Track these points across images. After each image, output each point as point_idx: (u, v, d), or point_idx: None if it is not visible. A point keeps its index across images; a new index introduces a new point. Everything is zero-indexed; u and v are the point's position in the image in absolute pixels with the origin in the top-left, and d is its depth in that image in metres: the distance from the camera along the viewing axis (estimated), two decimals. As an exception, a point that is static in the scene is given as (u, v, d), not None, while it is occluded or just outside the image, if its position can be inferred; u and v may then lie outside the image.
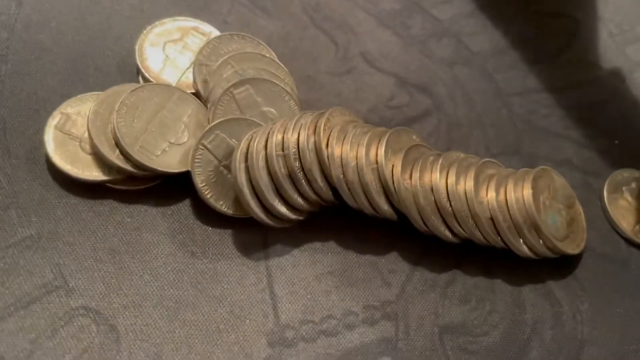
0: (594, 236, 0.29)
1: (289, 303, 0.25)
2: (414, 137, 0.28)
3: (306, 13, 0.33)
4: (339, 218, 0.27)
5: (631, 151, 0.32)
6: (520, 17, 0.36)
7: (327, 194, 0.26)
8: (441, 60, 0.33)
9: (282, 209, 0.25)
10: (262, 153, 0.25)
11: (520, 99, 0.33)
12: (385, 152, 0.26)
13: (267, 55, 0.29)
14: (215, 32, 0.30)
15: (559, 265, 0.28)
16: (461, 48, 0.34)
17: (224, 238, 0.26)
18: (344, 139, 0.26)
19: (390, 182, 0.26)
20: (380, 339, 0.25)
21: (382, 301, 0.26)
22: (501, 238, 0.27)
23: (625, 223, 0.30)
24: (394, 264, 0.27)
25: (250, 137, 0.25)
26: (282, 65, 0.29)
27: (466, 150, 0.31)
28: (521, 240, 0.27)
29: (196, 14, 0.31)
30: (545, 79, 0.35)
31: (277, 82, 0.28)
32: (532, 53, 0.35)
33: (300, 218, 0.26)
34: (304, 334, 0.24)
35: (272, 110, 0.28)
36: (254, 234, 0.26)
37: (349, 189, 0.25)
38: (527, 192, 0.26)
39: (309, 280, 0.26)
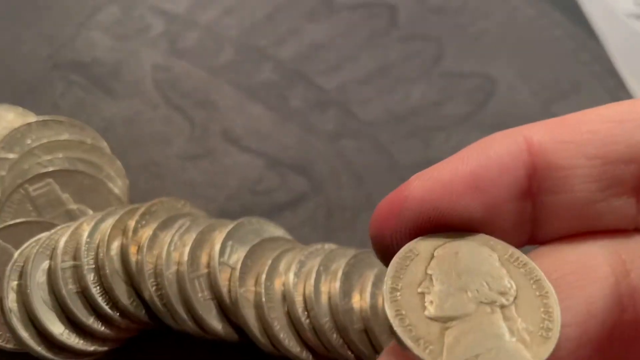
0: None
1: None
2: (272, 228, 0.23)
3: (160, 91, 0.28)
4: (165, 343, 0.21)
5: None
6: (422, 81, 0.32)
7: (138, 313, 0.19)
8: (324, 134, 0.28)
9: (72, 340, 0.19)
10: (44, 264, 0.19)
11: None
12: (220, 252, 0.20)
13: (91, 141, 0.24)
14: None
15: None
16: (348, 118, 0.29)
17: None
18: (164, 238, 0.20)
19: (225, 292, 0.20)
20: None
21: None
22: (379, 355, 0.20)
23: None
24: (240, 401, 0.20)
25: (29, 245, 0.19)
26: (108, 152, 0.24)
27: (350, 240, 0.25)
28: (408, 357, 0.20)
29: (21, 97, 0.26)
30: (453, 147, 0.29)
31: (94, 174, 0.22)
32: (436, 118, 0.30)
33: (103, 349, 0.19)
34: None
35: (84, 208, 0.22)
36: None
37: (164, 305, 0.19)
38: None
39: None
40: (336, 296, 0.20)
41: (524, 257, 0.12)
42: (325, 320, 0.20)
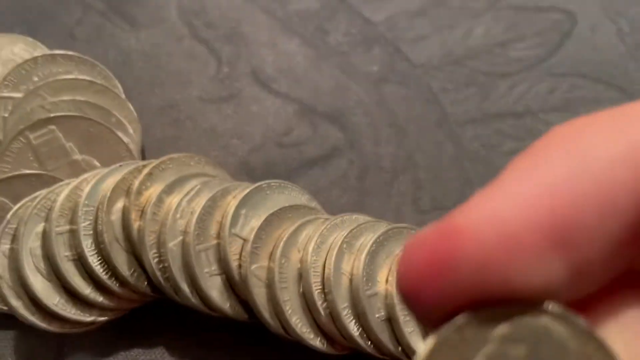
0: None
1: None
2: (294, 193, 0.20)
3: (184, 20, 0.25)
4: (168, 317, 0.19)
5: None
6: (488, 14, 0.27)
7: (139, 285, 0.18)
8: (366, 77, 0.25)
9: (68, 310, 0.17)
10: (39, 227, 0.17)
11: (476, 128, 0.24)
12: (232, 221, 0.18)
13: (101, 81, 0.21)
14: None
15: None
16: (397, 60, 0.25)
17: (5, 346, 0.19)
18: (171, 203, 0.18)
19: (234, 267, 0.18)
20: None
21: None
22: (402, 348, 0.18)
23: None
24: (248, 382, 0.19)
25: (23, 205, 0.18)
26: (120, 94, 0.21)
27: (384, 206, 0.22)
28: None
29: (35, 25, 0.24)
30: (516, 99, 0.25)
31: (101, 121, 0.20)
32: (500, 62, 0.26)
33: (102, 319, 0.18)
34: None
35: (90, 159, 0.20)
36: (46, 340, 0.19)
37: (167, 279, 0.17)
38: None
39: (116, 407, 0.18)
40: (358, 278, 0.18)
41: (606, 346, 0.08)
42: (344, 306, 0.18)
